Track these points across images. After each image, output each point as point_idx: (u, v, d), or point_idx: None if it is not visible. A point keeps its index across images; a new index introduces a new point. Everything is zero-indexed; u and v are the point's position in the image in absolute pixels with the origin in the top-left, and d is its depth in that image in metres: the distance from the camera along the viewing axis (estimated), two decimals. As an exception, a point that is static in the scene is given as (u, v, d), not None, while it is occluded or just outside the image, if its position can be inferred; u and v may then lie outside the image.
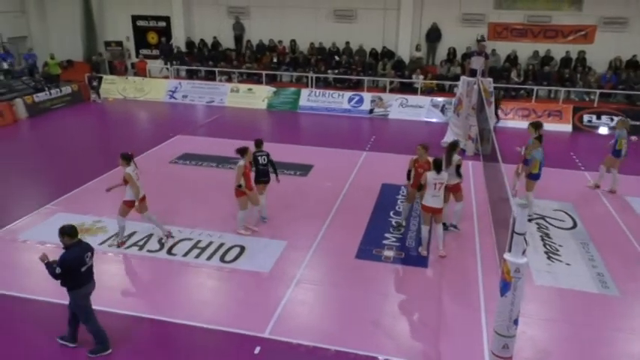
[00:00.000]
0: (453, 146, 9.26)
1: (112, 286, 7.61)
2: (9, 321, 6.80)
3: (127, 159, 8.47)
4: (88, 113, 18.58)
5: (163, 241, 8.88)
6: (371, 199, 10.71)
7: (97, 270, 8.01)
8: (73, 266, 5.82)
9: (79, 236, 6.04)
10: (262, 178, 9.46)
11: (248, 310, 7.09)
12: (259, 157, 9.45)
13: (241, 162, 8.68)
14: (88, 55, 22.27)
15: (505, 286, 5.18)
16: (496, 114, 16.26)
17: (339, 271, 8.12)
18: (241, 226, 9.12)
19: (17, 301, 7.18)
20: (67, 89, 19.22)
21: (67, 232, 5.90)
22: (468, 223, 9.74)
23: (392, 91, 19.20)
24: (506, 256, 5.16)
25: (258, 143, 9.60)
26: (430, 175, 8.23)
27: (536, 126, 10.29)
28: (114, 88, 20.49)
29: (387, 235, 9.26)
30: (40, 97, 17.97)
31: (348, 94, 18.88)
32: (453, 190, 9.14)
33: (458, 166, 9.00)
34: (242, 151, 8.82)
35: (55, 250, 8.52)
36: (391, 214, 10.10)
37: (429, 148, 9.06)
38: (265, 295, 7.43)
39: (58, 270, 5.78)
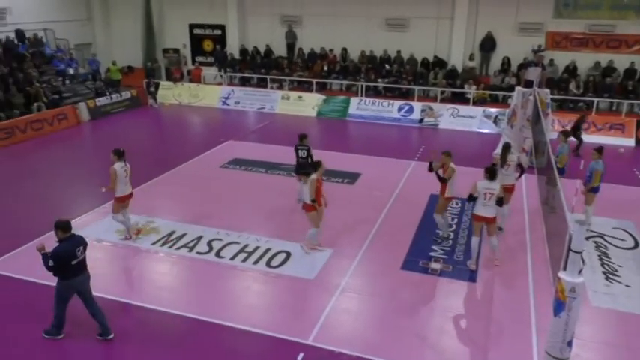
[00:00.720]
0: (507, 147, 9.41)
1: (162, 285, 7.85)
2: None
3: (119, 155, 8.74)
4: (145, 117, 19.31)
5: (123, 237, 9.13)
6: (418, 210, 10.55)
7: (149, 270, 8.31)
8: (64, 259, 6.04)
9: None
10: (301, 169, 10.09)
11: (292, 316, 7.12)
12: (299, 150, 10.27)
13: (314, 175, 8.37)
14: (146, 62, 23.17)
15: (559, 306, 4.96)
16: (577, 135, 14.66)
17: (384, 281, 8.03)
18: (310, 244, 8.73)
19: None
20: (126, 94, 20.07)
21: (61, 227, 6.12)
22: (519, 236, 9.44)
23: (443, 100, 18.91)
24: (561, 274, 4.96)
25: (302, 137, 10.36)
26: (481, 185, 8.02)
27: (567, 134, 10.80)
28: (170, 93, 21.22)
29: (434, 247, 9.09)
30: (102, 101, 18.84)
31: (398, 103, 18.75)
32: (509, 192, 9.12)
33: (519, 165, 9.26)
34: (315, 165, 8.56)
35: (109, 247, 8.93)
36: (450, 233, 9.90)
37: (452, 155, 8.98)
38: (309, 302, 7.44)
39: (50, 262, 6.02)
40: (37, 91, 17.09)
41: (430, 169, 8.94)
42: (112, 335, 6.56)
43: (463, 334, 6.84)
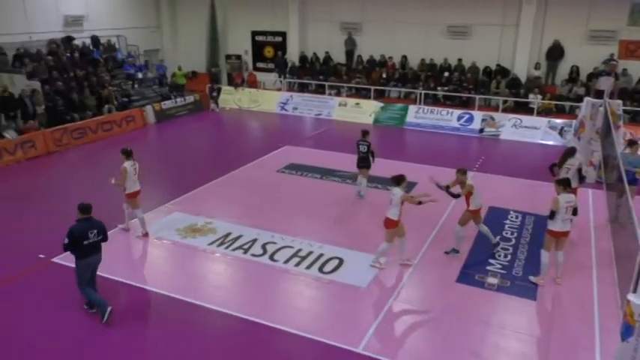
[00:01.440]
0: (572, 151, 9.10)
1: (217, 285, 8.05)
2: (124, 307, 7.43)
3: (127, 154, 9.35)
4: (206, 121, 19.94)
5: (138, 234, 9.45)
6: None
7: (205, 269, 8.54)
8: (77, 239, 6.60)
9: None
10: (362, 163, 11.12)
11: (343, 323, 7.10)
12: (361, 145, 11.08)
13: (401, 192, 8.08)
14: (210, 68, 23.95)
15: (627, 330, 4.68)
16: None
17: (438, 293, 7.86)
18: (378, 259, 8.50)
19: (133, 290, 7.83)
20: (190, 98, 20.81)
21: (80, 208, 6.81)
22: (584, 254, 8.97)
23: (505, 110, 18.33)
24: (631, 296, 4.67)
25: (364, 133, 11.20)
26: (562, 199, 7.63)
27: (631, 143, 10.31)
28: (230, 98, 21.81)
29: (491, 260, 8.79)
30: (167, 104, 19.64)
31: (457, 112, 18.36)
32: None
33: (579, 170, 8.99)
34: (398, 180, 8.23)
35: (169, 245, 9.25)
36: (497, 239, 9.58)
37: (466, 172, 8.80)
38: (361, 310, 7.39)
39: (65, 240, 6.62)
40: (108, 94, 18.05)
41: (448, 193, 8.67)
42: (94, 310, 7.02)
43: (520, 354, 6.56)
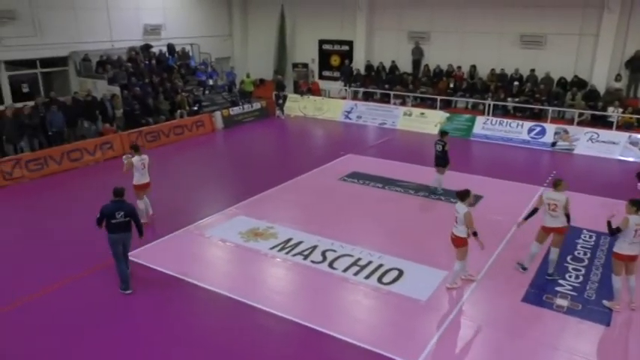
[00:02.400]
0: None
1: (275, 289, 8.17)
2: (186, 303, 7.70)
3: (136, 149, 10.29)
4: (272, 127, 20.35)
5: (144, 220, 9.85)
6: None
7: (265, 273, 8.68)
8: (105, 216, 7.64)
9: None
10: (437, 161, 12.00)
11: (400, 336, 6.98)
12: (437, 145, 11.95)
13: (466, 208, 7.72)
14: (277, 75, 24.43)
15: None
16: None
17: (503, 312, 7.55)
18: (455, 280, 8.17)
19: (195, 289, 8.10)
20: (257, 105, 21.34)
21: (113, 192, 7.75)
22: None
23: (580, 123, 17.40)
24: None
25: (442, 133, 12.20)
26: (633, 220, 7.15)
27: None
28: (296, 105, 22.15)
29: (561, 281, 8.35)
30: (235, 110, 20.24)
31: (528, 124, 17.63)
32: None
33: None
34: (463, 195, 7.86)
35: (231, 248, 9.49)
36: (568, 259, 9.10)
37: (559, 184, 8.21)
38: (420, 324, 7.24)
39: (97, 215, 7.66)
40: (181, 100, 18.87)
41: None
42: (129, 291, 7.87)
43: (590, 381, 6.18)
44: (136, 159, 10.11)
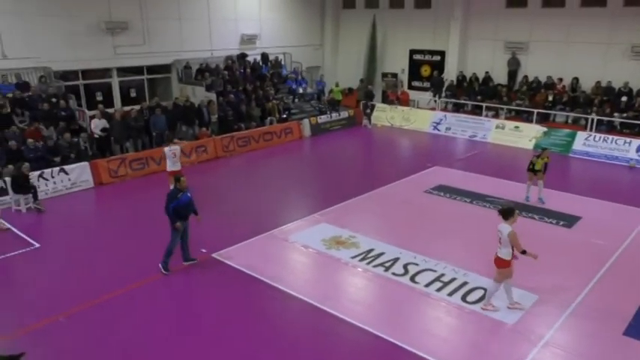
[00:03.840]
0: None
1: (354, 298, 8.14)
2: (265, 305, 7.89)
3: (169, 140, 12.42)
4: (358, 136, 20.41)
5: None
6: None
7: (345, 282, 8.71)
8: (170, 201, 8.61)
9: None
10: (534, 169, 11.94)
11: (482, 358, 6.65)
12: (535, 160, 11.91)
13: (509, 228, 7.23)
14: (366, 85, 24.48)
15: None
16: None
17: (600, 344, 6.96)
18: (490, 302, 7.75)
19: (275, 291, 8.27)
20: (344, 114, 21.51)
21: (176, 178, 8.72)
22: None
23: (700, 143, 15.72)
24: None
25: (543, 148, 12.69)
26: None
27: None
28: (383, 115, 22.04)
29: (671, 317, 7.54)
30: (323, 119, 20.54)
31: (637, 141, 16.20)
32: None
33: None
34: (507, 213, 7.34)
35: (313, 254, 9.60)
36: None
37: None
38: (505, 349, 6.86)
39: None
40: (272, 107, 19.50)
41: None
42: (195, 260, 8.87)
43: None
44: (166, 149, 11.84)
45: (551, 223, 11.03)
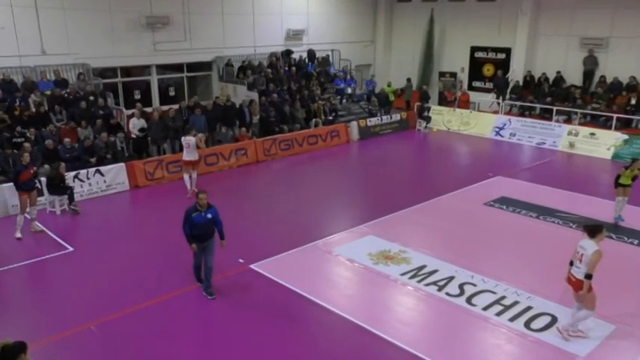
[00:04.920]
0: None
1: (403, 319, 8.05)
2: (306, 322, 7.90)
3: (188, 131, 13.49)
4: (411, 141, 20.24)
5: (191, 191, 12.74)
6: None
7: (393, 300, 8.63)
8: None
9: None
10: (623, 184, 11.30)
11: (550, 394, 6.43)
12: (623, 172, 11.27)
13: (595, 246, 7.03)
14: (421, 85, 24.29)
15: None
16: None
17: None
18: (576, 328, 7.52)
19: (317, 308, 8.27)
20: (396, 116, 21.39)
21: (197, 194, 8.44)
22: None
23: None
24: None
25: (634, 159, 11.72)
26: None
27: None
28: (440, 119, 21.76)
29: None
30: (372, 121, 20.49)
31: None
32: None
33: None
34: (594, 230, 7.16)
35: (360, 269, 9.56)
36: None
37: None
38: (575, 384, 6.60)
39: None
40: (317, 108, 19.63)
41: None
42: (213, 296, 8.46)
43: None
44: (183, 139, 13.36)
45: (631, 243, 10.55)
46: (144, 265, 9.76)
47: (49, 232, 11.14)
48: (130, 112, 16.36)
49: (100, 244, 10.73)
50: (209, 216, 8.30)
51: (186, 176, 13.42)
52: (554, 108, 19.77)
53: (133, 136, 15.48)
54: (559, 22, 21.08)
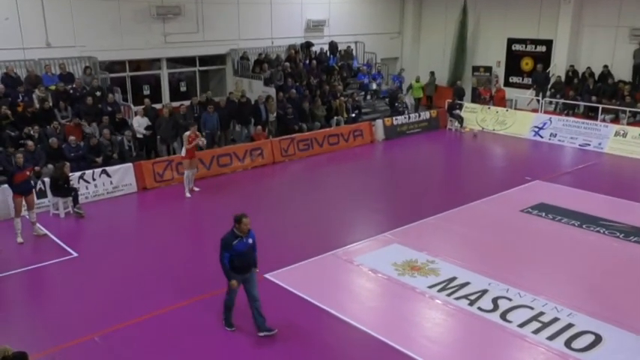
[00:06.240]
0: None
1: (432, 337, 8.01)
2: (324, 337, 7.91)
3: (192, 125, 14.18)
4: (441, 142, 20.16)
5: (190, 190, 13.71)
6: None
7: (420, 315, 8.61)
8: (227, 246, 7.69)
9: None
10: None
11: (592, 421, 6.34)
12: None
13: None
14: (453, 81, 24.16)
15: None
16: None
17: None
18: None
19: (336, 321, 8.27)
20: (425, 115, 21.31)
21: (237, 219, 7.59)
22: None
23: None
24: None
25: None
26: None
27: None
28: (473, 117, 21.62)
29: None
30: (399, 120, 20.44)
31: None
32: None
33: None
34: None
35: (383, 280, 9.55)
36: None
37: None
38: (621, 411, 6.50)
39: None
40: (339, 105, 19.67)
41: None
42: (274, 331, 7.85)
43: None
44: (184, 134, 13.69)
45: (685, 256, 10.36)
46: (151, 273, 9.87)
47: (52, 237, 11.34)
48: (138, 108, 16.52)
49: (105, 249, 10.89)
50: (250, 241, 7.72)
51: (187, 173, 13.81)
52: (600, 106, 19.54)
53: (139, 135, 15.65)
54: (606, 12, 20.85)
